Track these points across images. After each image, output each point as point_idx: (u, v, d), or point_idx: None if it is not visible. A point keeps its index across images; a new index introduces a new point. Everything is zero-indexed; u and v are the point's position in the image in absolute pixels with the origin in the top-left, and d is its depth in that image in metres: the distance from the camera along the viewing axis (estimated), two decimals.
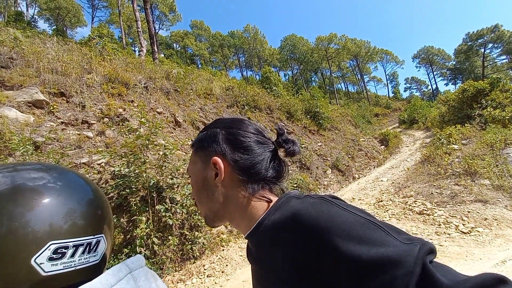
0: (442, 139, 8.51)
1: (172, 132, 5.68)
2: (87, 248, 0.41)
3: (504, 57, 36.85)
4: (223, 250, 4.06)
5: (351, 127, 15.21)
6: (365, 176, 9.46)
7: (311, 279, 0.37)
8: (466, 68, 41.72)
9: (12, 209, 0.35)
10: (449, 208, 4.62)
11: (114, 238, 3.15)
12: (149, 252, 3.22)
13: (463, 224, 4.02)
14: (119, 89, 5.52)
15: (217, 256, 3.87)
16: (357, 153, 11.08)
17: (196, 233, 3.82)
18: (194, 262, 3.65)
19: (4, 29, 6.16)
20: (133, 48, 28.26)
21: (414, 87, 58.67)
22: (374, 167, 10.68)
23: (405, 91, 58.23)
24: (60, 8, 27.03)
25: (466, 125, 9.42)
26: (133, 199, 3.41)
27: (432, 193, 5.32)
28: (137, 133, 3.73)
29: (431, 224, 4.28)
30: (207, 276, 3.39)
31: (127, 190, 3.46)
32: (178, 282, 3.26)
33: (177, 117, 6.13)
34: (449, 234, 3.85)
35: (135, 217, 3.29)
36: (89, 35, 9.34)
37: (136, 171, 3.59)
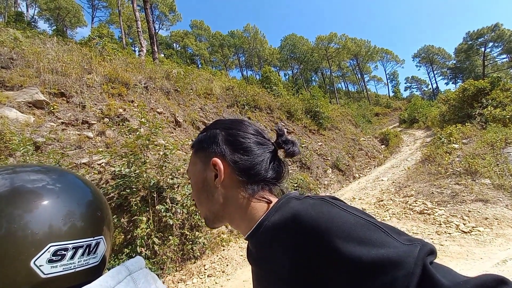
0: (443, 138, 8.52)
1: (172, 132, 5.67)
2: (87, 250, 0.41)
3: (504, 56, 36.87)
4: (223, 250, 4.06)
5: (351, 127, 15.20)
6: (365, 175, 9.45)
7: (311, 280, 0.36)
8: (466, 67, 41.69)
9: (11, 211, 0.35)
10: (450, 208, 4.61)
11: (115, 238, 3.16)
12: (149, 252, 3.22)
13: (464, 224, 4.02)
14: (119, 89, 5.52)
15: (217, 256, 3.87)
16: (358, 153, 11.08)
17: (197, 233, 3.82)
18: (194, 262, 3.65)
19: (4, 30, 6.16)
20: (133, 48, 28.26)
21: (415, 86, 58.69)
22: (375, 167, 10.67)
23: (405, 90, 58.28)
24: (60, 8, 27.04)
25: (466, 124, 9.42)
26: (134, 199, 3.42)
27: (432, 193, 5.31)
28: (137, 133, 3.73)
29: (432, 224, 4.27)
30: (208, 276, 3.39)
31: (128, 190, 3.46)
32: (178, 282, 3.26)
33: (177, 117, 6.13)
34: (449, 233, 3.84)
35: (136, 217, 3.29)
36: (89, 35, 9.36)
37: (137, 171, 3.59)
